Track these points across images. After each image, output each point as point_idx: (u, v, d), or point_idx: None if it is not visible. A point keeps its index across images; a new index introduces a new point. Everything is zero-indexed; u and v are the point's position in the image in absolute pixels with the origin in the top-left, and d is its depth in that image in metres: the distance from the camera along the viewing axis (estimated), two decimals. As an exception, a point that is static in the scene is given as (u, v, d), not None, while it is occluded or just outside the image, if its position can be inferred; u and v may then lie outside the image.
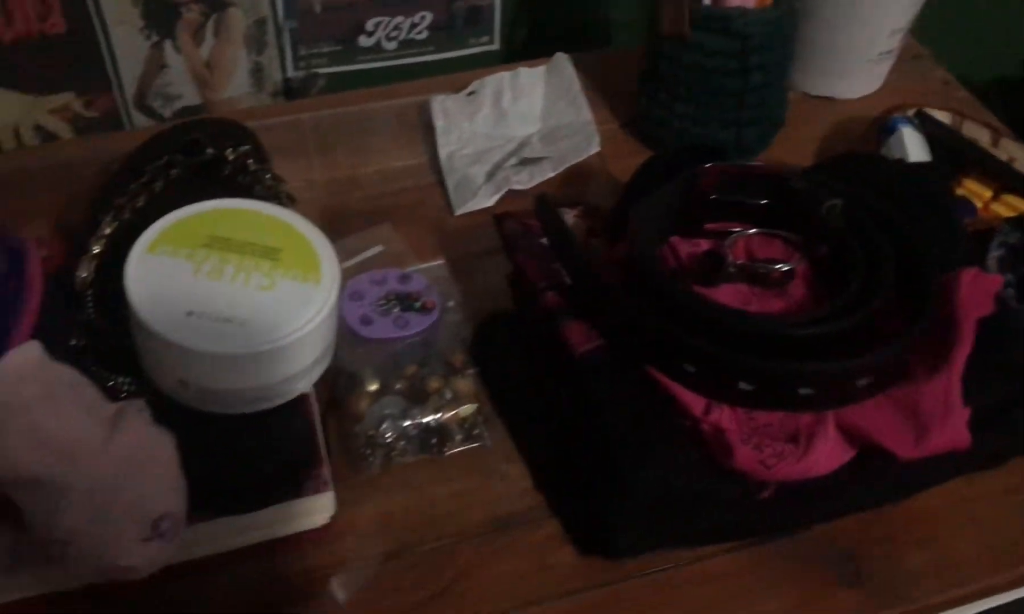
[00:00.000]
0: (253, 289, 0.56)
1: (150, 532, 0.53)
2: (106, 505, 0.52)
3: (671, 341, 0.57)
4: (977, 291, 0.60)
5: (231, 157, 0.68)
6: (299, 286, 0.57)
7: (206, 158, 0.68)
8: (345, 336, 0.72)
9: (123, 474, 0.53)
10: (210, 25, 0.97)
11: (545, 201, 0.65)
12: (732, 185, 0.66)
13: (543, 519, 0.63)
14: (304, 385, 0.60)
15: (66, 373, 0.57)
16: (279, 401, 0.59)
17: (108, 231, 0.65)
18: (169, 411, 0.57)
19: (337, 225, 0.81)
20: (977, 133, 0.85)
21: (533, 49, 0.99)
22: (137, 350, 0.58)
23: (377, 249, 0.78)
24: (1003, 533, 0.63)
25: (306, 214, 0.80)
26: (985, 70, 1.28)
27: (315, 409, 0.64)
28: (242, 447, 0.58)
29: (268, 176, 0.68)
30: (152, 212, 0.60)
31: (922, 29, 1.02)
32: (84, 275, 0.63)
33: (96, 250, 0.64)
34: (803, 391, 0.56)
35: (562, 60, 0.91)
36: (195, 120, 0.82)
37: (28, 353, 0.55)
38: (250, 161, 0.68)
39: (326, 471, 0.60)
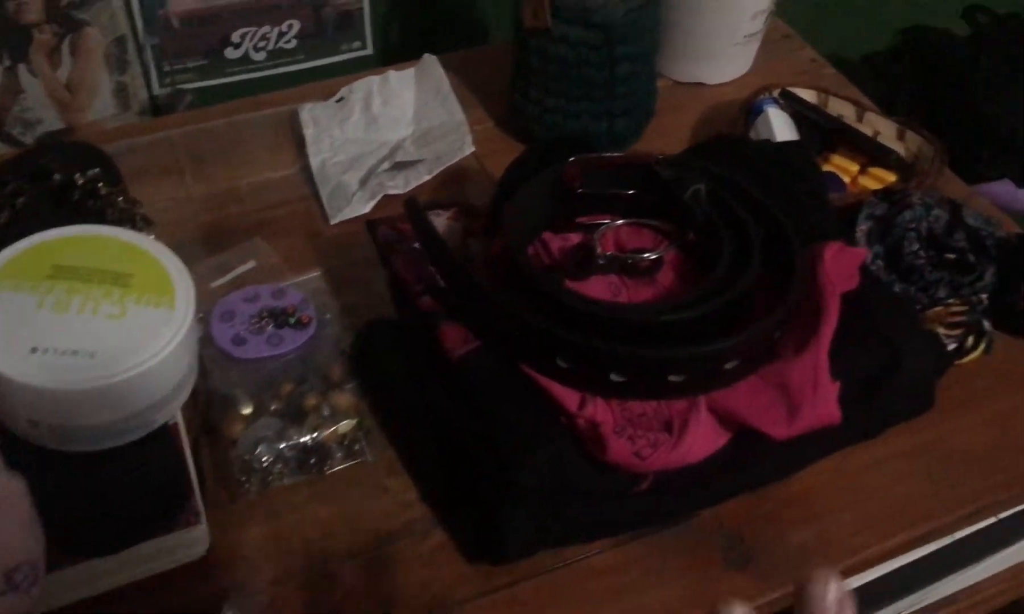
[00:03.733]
0: (102, 319, 0.54)
1: (4, 585, 0.50)
2: (-48, 560, 0.49)
3: (542, 337, 0.57)
4: (841, 265, 0.61)
5: (81, 182, 0.65)
6: (152, 312, 0.55)
7: (54, 184, 0.65)
8: (217, 358, 0.69)
9: (-32, 527, 0.50)
10: (66, 46, 0.93)
11: (414, 205, 0.64)
12: (599, 177, 0.66)
13: (430, 530, 0.62)
14: (166, 415, 0.57)
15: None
16: (140, 433, 0.56)
17: (-52, 267, 0.61)
18: (23, 453, 0.54)
19: (211, 242, 0.78)
20: (843, 109, 0.86)
21: (408, 51, 0.98)
22: (-18, 391, 0.55)
23: (249, 265, 0.76)
24: (881, 503, 0.64)
25: (179, 233, 0.79)
26: (854, 47, 1.32)
27: (183, 438, 0.61)
28: (104, 485, 0.55)
29: (120, 199, 0.65)
30: (-4, 245, 0.57)
31: (791, 10, 1.04)
32: (-76, 317, 0.60)
33: (-65, 288, 0.60)
34: (673, 378, 0.55)
35: (431, 61, 0.89)
36: (44, 145, 0.79)
37: None
38: (101, 184, 0.65)
39: (197, 502, 0.58)
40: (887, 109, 0.88)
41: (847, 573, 0.62)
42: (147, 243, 0.59)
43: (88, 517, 0.55)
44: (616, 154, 0.67)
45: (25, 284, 0.55)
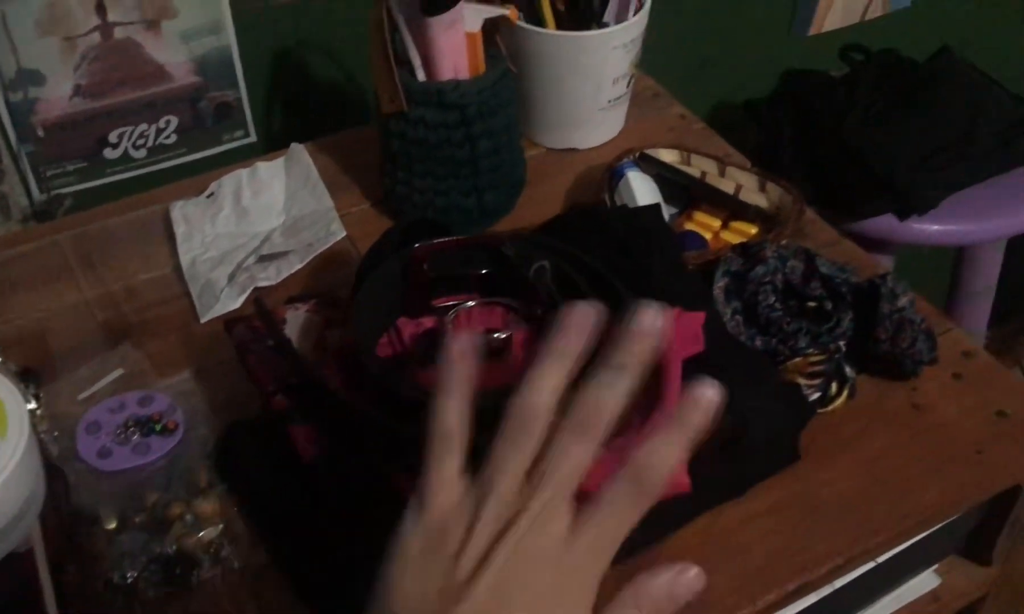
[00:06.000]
0: (-71, 455, 0.53)
1: None
2: None
3: (391, 437, 0.56)
4: (681, 330, 0.61)
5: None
6: (-17, 443, 0.54)
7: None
8: (83, 472, 0.68)
9: None
10: (-63, 160, 0.92)
11: (260, 304, 0.64)
12: (448, 259, 0.66)
13: (303, 642, 0.61)
14: (10, 544, 0.56)
15: None
16: (-21, 568, 0.55)
17: None
18: None
19: (83, 349, 0.78)
20: (705, 165, 0.88)
21: (292, 136, 0.98)
22: None
23: (116, 374, 0.75)
24: (752, 561, 0.64)
25: (51, 342, 0.78)
26: (737, 95, 1.35)
27: (40, 562, 0.60)
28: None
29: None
30: None
31: (670, 63, 1.06)
32: None
33: None
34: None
35: (298, 150, 0.90)
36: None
37: None
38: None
39: (51, 630, 0.57)
40: (769, 154, 0.90)
41: (725, 634, 0.62)
42: (-18, 370, 0.58)
43: (-70, 659, 0.54)
44: (461, 237, 0.67)
45: None
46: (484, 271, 0.67)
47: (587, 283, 0.63)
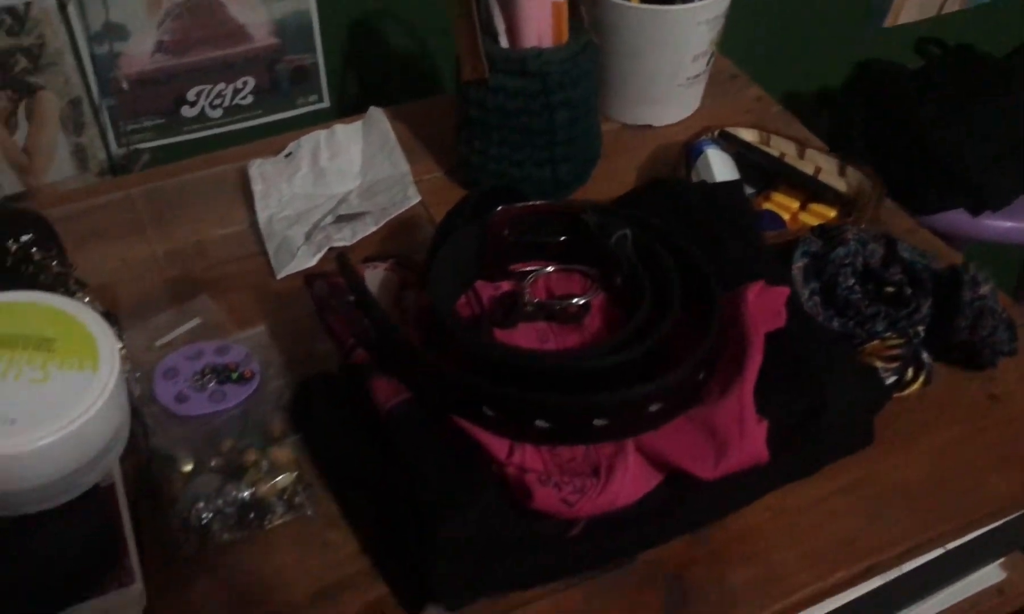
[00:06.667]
0: (25, 384, 0.54)
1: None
2: None
3: (467, 388, 0.57)
4: (764, 304, 0.61)
5: (13, 248, 0.66)
6: (76, 375, 0.55)
7: (-15, 252, 0.66)
8: (160, 416, 0.70)
9: None
10: (22, 110, 0.94)
11: (343, 259, 0.65)
12: (527, 225, 0.67)
13: (371, 583, 0.62)
14: (95, 477, 0.57)
15: None
16: (68, 497, 0.56)
17: None
18: (-50, 521, 0.54)
19: (159, 300, 0.79)
20: (784, 147, 0.87)
21: (363, 103, 0.99)
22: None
23: (194, 322, 0.76)
24: (822, 540, 0.64)
25: (124, 293, 0.80)
26: (809, 83, 1.33)
27: (120, 499, 0.61)
28: (32, 550, 0.55)
29: (55, 263, 0.66)
30: (-72, 314, 0.57)
31: (744, 48, 1.05)
32: None
33: None
34: (597, 422, 0.56)
35: (376, 114, 0.91)
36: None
37: None
38: (34, 250, 0.66)
39: (132, 562, 0.58)
40: (840, 143, 0.89)
41: (790, 612, 0.62)
42: (72, 307, 0.59)
43: (17, 582, 0.55)
44: (543, 202, 0.67)
45: (-52, 353, 0.55)
46: (562, 238, 0.68)
47: (667, 254, 0.63)
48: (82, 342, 0.57)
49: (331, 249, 0.82)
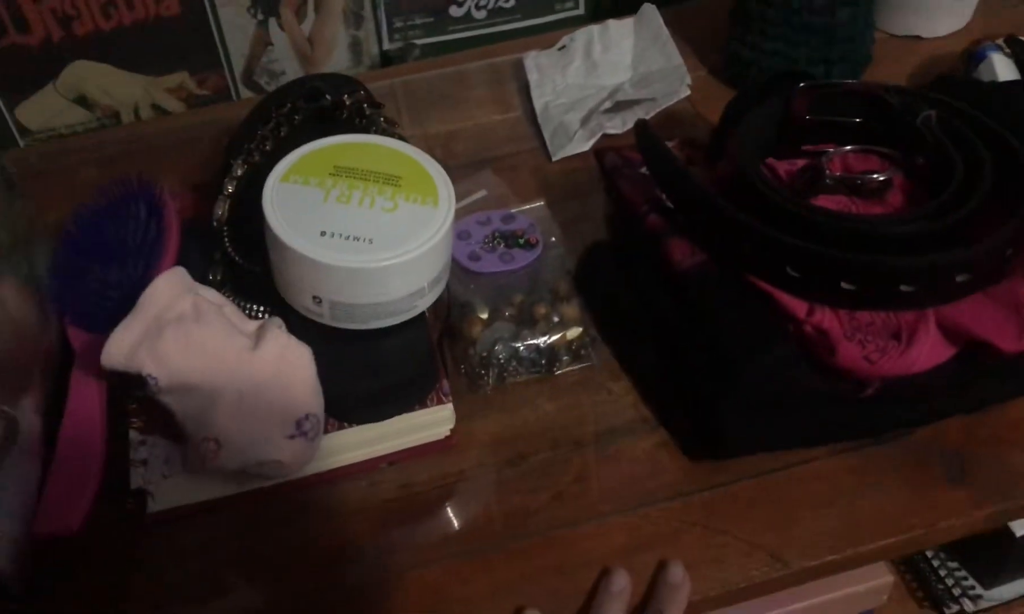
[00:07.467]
0: (378, 211, 0.61)
1: (294, 430, 0.58)
2: (253, 406, 0.57)
3: (772, 246, 0.60)
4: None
5: (348, 102, 0.73)
6: (419, 208, 0.62)
7: (326, 104, 0.73)
8: (455, 271, 0.76)
9: (268, 378, 0.58)
10: (311, 3, 1.02)
11: (645, 125, 0.69)
12: (826, 105, 0.69)
13: (651, 430, 0.66)
14: (424, 303, 0.64)
15: (210, 294, 0.62)
16: (402, 318, 0.63)
17: (239, 173, 0.70)
18: (305, 329, 0.61)
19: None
20: (1071, 58, 0.85)
21: (617, 12, 1.02)
22: (273, 273, 0.63)
23: (481, 194, 0.82)
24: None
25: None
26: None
27: (430, 329, 0.68)
28: (369, 361, 0.62)
29: (382, 119, 0.73)
30: (279, 154, 0.65)
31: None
32: (220, 213, 0.69)
33: (230, 190, 0.69)
34: (904, 287, 0.57)
35: (650, 10, 0.94)
36: (311, 76, 0.88)
37: (175, 277, 0.61)
38: (365, 105, 0.73)
39: (445, 384, 0.64)
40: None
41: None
42: (411, 151, 0.66)
43: (357, 388, 0.62)
44: (844, 81, 0.69)
45: (312, 180, 0.62)
46: (857, 119, 0.69)
47: (973, 136, 0.64)
48: (423, 181, 0.63)
49: (604, 135, 0.86)
